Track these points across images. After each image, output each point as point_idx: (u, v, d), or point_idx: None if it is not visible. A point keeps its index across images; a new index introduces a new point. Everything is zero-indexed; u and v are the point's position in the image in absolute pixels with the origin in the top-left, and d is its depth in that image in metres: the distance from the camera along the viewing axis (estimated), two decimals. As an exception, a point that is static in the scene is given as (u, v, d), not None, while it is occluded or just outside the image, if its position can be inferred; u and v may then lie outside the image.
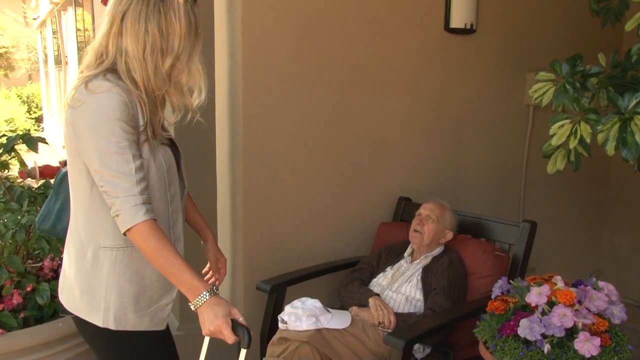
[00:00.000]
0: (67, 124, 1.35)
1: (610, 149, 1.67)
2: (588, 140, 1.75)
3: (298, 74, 2.53)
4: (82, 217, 1.41)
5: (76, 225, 1.44)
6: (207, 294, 1.28)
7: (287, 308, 2.16)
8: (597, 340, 1.37)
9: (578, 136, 1.77)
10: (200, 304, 1.28)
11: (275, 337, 2.12)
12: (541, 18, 3.22)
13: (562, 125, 1.81)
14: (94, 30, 6.74)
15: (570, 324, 1.41)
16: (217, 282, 1.77)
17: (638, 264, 3.66)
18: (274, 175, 2.55)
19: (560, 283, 1.56)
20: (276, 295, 2.32)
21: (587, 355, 1.37)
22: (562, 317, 1.42)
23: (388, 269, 2.46)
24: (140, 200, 1.28)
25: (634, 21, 1.73)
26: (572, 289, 1.51)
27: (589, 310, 1.45)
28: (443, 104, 2.99)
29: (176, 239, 1.50)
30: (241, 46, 2.40)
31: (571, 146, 1.79)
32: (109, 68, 1.35)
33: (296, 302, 2.16)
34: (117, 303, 1.41)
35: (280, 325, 2.14)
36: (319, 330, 2.07)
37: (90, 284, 1.41)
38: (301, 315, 2.09)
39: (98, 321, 1.42)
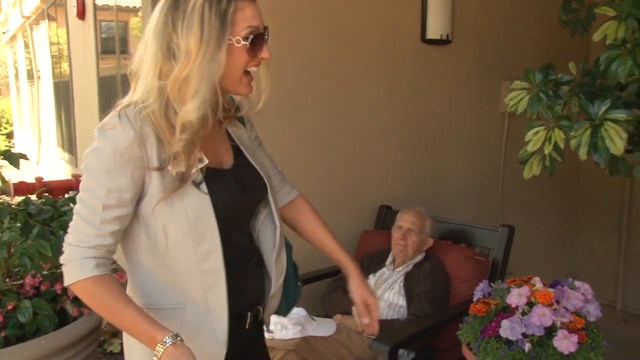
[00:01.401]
0: None
1: (582, 154, 1.73)
2: (562, 145, 1.82)
3: (279, 85, 2.57)
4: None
5: None
6: (166, 343, 1.08)
7: (273, 317, 2.17)
8: (574, 338, 1.42)
9: (552, 142, 1.83)
10: (159, 354, 1.08)
11: (261, 347, 2.13)
12: (514, 29, 3.32)
13: (537, 132, 1.87)
14: (68, 44, 6.68)
15: (549, 323, 1.46)
16: (371, 331, 1.42)
17: (610, 266, 3.76)
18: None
19: (538, 284, 1.61)
20: (261, 305, 2.33)
21: (566, 352, 1.42)
22: (541, 317, 1.47)
23: (370, 276, 2.49)
24: (91, 253, 1.11)
25: (601, 32, 1.80)
26: (550, 290, 1.56)
27: (567, 309, 1.50)
28: (421, 113, 3.05)
29: (213, 307, 1.19)
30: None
31: (546, 152, 1.85)
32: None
33: (281, 311, 2.18)
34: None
35: (266, 334, 2.14)
36: (305, 339, 2.09)
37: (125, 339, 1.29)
38: (287, 324, 2.11)
39: None
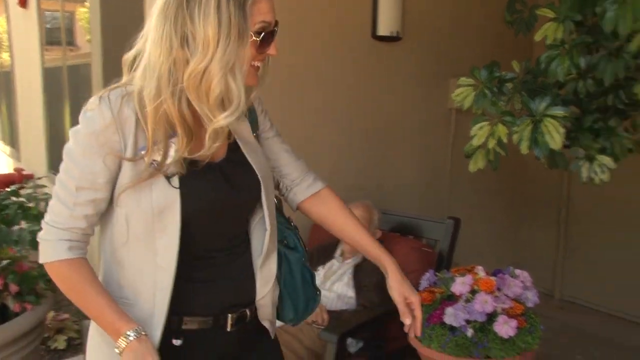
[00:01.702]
0: None
1: (523, 148, 1.81)
2: (505, 140, 1.89)
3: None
4: None
5: None
6: (129, 337, 1.05)
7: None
8: (514, 323, 1.49)
9: (496, 137, 1.90)
10: (121, 347, 1.05)
11: (211, 339, 2.13)
12: (462, 28, 3.42)
13: (482, 127, 1.94)
14: (9, 34, 6.41)
15: (490, 310, 1.52)
16: (416, 332, 1.30)
17: (549, 258, 3.94)
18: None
19: (481, 273, 1.67)
20: (212, 298, 2.32)
21: (506, 336, 1.49)
22: (483, 304, 1.53)
23: (320, 268, 2.52)
24: (66, 235, 1.09)
25: (542, 32, 1.89)
26: (492, 278, 1.63)
27: (507, 296, 1.57)
28: (372, 108, 3.10)
29: (156, 313, 1.13)
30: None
31: (490, 146, 1.92)
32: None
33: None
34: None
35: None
36: (255, 330, 2.10)
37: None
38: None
39: None
